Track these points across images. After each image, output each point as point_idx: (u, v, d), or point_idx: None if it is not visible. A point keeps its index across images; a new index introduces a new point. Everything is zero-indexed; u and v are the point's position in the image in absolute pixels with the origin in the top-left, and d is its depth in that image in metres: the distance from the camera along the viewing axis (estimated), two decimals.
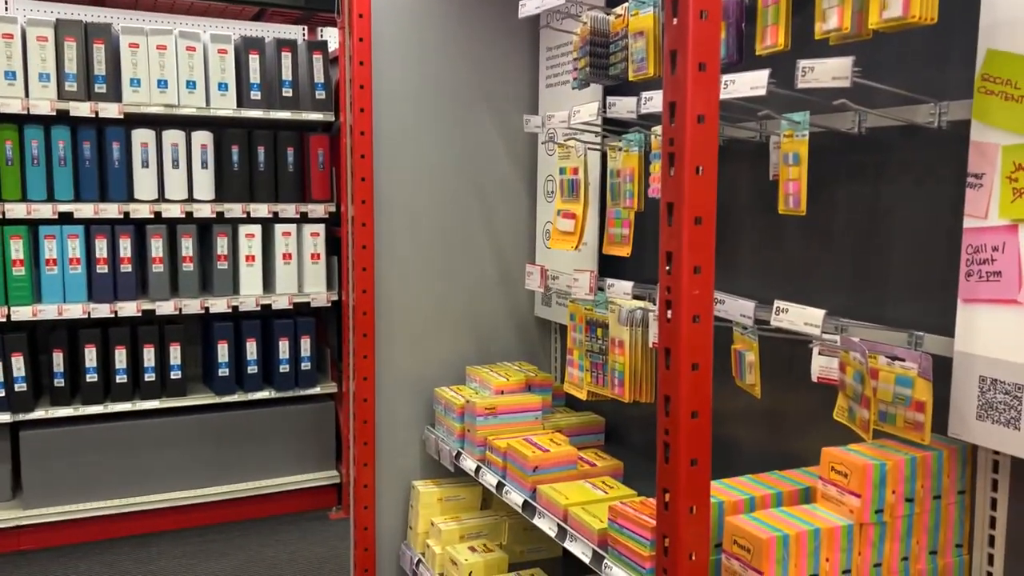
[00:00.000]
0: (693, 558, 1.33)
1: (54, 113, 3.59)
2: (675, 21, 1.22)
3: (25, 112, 3.54)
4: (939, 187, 1.67)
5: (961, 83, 1.57)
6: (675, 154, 1.24)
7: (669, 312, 1.28)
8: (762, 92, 1.57)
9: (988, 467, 1.60)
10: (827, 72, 1.47)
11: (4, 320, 3.57)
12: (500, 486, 2.33)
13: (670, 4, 1.23)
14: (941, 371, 1.58)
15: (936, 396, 1.55)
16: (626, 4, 2.08)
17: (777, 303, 1.67)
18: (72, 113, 3.62)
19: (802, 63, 1.52)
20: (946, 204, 1.64)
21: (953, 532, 1.64)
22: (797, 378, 2.00)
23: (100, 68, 3.68)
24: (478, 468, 2.46)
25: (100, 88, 3.68)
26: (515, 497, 2.26)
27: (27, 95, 3.57)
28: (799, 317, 1.61)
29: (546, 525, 2.11)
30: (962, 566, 1.65)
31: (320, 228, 4.12)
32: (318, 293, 4.12)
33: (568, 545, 2.00)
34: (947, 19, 1.56)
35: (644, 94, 1.96)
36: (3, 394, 3.61)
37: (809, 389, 1.89)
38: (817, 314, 1.59)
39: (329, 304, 4.18)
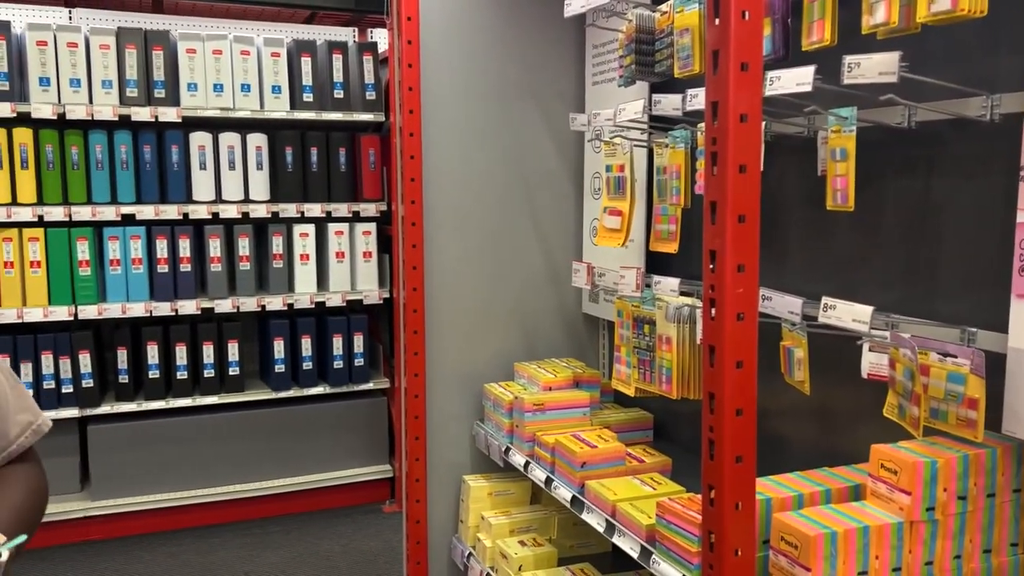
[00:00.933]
0: (739, 554, 1.34)
1: (116, 118, 3.71)
2: (717, 21, 1.23)
3: (89, 118, 3.67)
4: (992, 180, 1.64)
5: (1014, 74, 1.54)
6: (718, 153, 1.25)
7: (713, 310, 1.29)
8: (808, 88, 1.56)
9: None
10: (873, 68, 1.46)
11: (72, 319, 3.71)
12: (549, 481, 2.36)
13: (711, 4, 1.24)
14: (995, 367, 1.56)
15: (990, 393, 1.53)
16: (671, 1, 2.08)
17: (825, 300, 1.66)
18: (133, 118, 3.74)
19: (848, 59, 1.51)
20: (999, 198, 1.62)
21: (1008, 531, 1.62)
22: (847, 374, 1.98)
23: (159, 74, 3.80)
24: (527, 463, 2.49)
25: (159, 93, 3.80)
26: (564, 492, 2.28)
27: (91, 101, 3.69)
28: (847, 314, 1.60)
29: (594, 520, 2.13)
30: (1017, 565, 1.62)
31: (372, 227, 4.18)
32: (370, 290, 4.19)
33: (616, 540, 2.02)
34: (998, 9, 1.53)
35: (690, 91, 1.97)
36: (72, 390, 3.75)
37: (859, 385, 1.87)
38: (865, 311, 1.58)
39: (381, 301, 4.25)
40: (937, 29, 1.51)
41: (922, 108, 1.63)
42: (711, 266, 1.28)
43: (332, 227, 4.12)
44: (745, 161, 1.23)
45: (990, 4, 1.42)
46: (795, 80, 1.57)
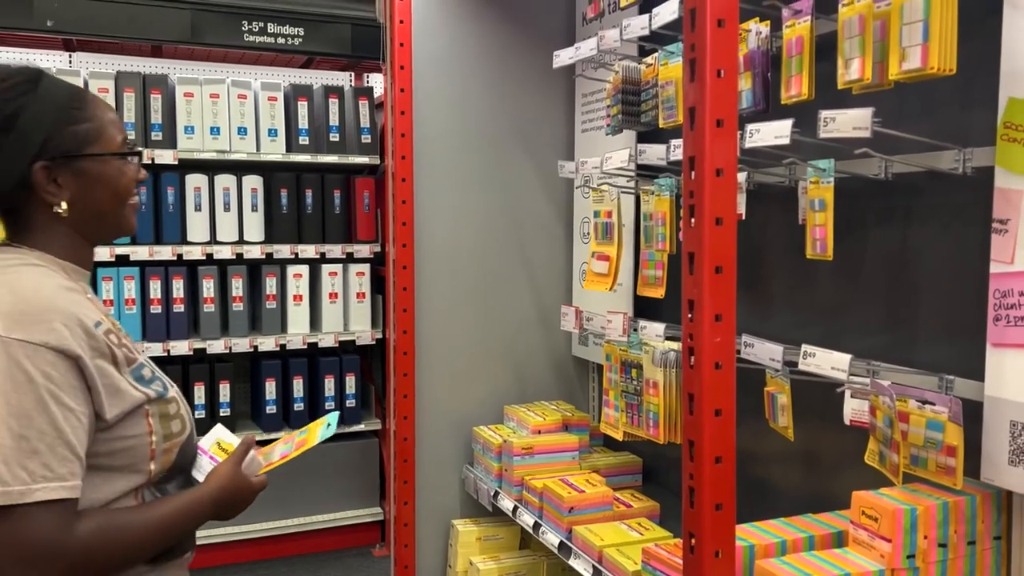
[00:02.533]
0: None
1: None
2: (693, 80, 1.27)
3: None
4: (968, 231, 1.68)
5: (986, 129, 1.59)
6: (695, 206, 1.29)
7: (692, 359, 1.32)
8: (785, 141, 1.60)
9: None
10: (848, 123, 1.50)
11: None
12: (537, 526, 2.36)
13: (688, 63, 1.28)
14: (974, 415, 1.58)
15: (969, 440, 1.55)
16: (656, 54, 2.13)
17: (804, 347, 1.69)
18: None
19: (824, 113, 1.56)
20: (975, 248, 1.65)
21: None
22: (831, 420, 2.00)
23: (157, 117, 3.85)
24: (515, 508, 2.49)
25: (156, 136, 3.85)
26: (551, 538, 2.28)
27: None
28: (826, 362, 1.63)
29: (581, 566, 2.13)
30: None
31: (365, 268, 4.21)
32: (363, 331, 4.21)
33: None
34: (969, 67, 1.58)
35: (673, 142, 2.01)
36: None
37: (843, 431, 1.89)
38: (843, 359, 1.60)
39: (374, 342, 4.26)
40: (911, 85, 1.56)
41: (896, 161, 1.67)
42: (689, 316, 1.31)
43: (326, 268, 4.15)
44: (721, 214, 1.27)
45: (959, 62, 1.46)
46: (773, 133, 1.61)
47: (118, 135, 1.41)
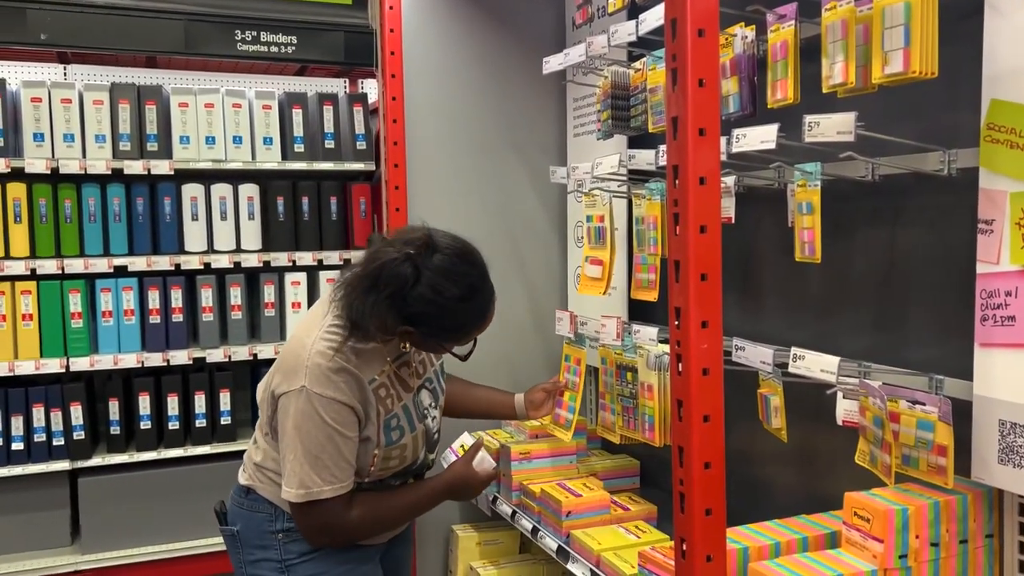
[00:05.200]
0: None
1: (109, 172, 3.77)
2: (675, 89, 1.28)
3: (83, 172, 3.73)
4: (955, 231, 1.69)
5: (970, 131, 1.60)
6: (679, 214, 1.30)
7: (680, 365, 1.33)
8: (771, 146, 1.61)
9: (1014, 510, 1.60)
10: (832, 127, 1.51)
11: (63, 371, 3.73)
12: (535, 531, 2.37)
13: (670, 73, 1.29)
14: (963, 414, 1.59)
15: (959, 439, 1.56)
16: (645, 59, 2.14)
17: (794, 350, 1.70)
18: (126, 171, 3.79)
19: (808, 118, 1.57)
20: (963, 248, 1.66)
21: None
22: (824, 421, 2.01)
23: (152, 128, 3.86)
24: (514, 513, 2.50)
25: (152, 146, 3.85)
26: (550, 542, 2.29)
27: (84, 156, 3.75)
28: (815, 364, 1.64)
29: (579, 570, 2.14)
30: None
31: None
32: None
33: None
34: (952, 70, 1.59)
35: (662, 147, 2.02)
36: (63, 442, 3.75)
37: (837, 432, 1.90)
38: (832, 361, 1.61)
39: None
40: (896, 88, 1.57)
41: (882, 164, 1.68)
42: (676, 323, 1.32)
43: (324, 275, 4.15)
44: (705, 222, 1.28)
45: (942, 65, 1.47)
46: (759, 138, 1.62)
47: (468, 344, 1.98)
